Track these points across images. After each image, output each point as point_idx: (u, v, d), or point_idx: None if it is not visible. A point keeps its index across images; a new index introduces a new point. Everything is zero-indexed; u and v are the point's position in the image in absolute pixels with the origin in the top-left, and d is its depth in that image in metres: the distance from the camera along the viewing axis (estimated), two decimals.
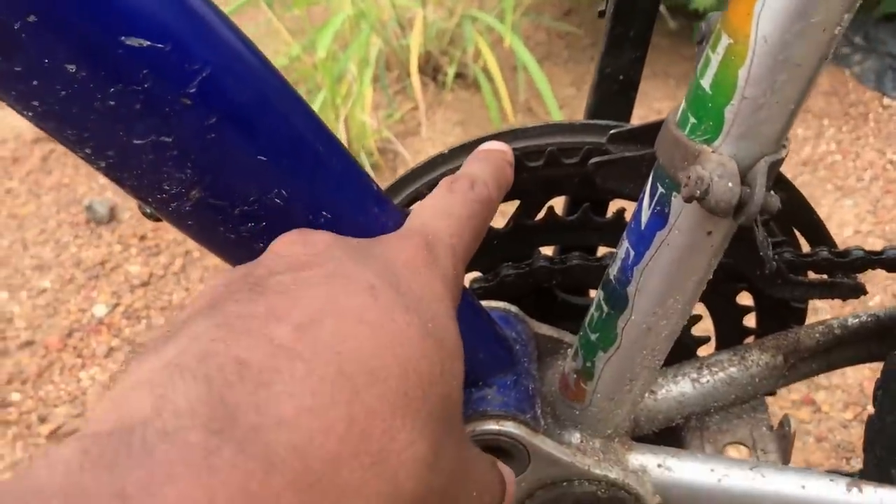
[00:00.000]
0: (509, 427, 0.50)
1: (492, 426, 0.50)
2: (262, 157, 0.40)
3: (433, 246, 0.39)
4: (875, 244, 1.67)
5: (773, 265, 0.52)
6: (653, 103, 2.13)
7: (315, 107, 1.87)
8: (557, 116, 1.94)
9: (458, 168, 0.55)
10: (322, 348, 0.29)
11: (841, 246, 0.57)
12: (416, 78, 2.00)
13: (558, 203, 0.58)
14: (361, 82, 1.88)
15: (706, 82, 0.39)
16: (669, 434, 0.62)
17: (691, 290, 0.47)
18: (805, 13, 0.35)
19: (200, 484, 0.23)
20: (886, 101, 2.20)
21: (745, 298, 0.62)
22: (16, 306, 1.73)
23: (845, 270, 0.57)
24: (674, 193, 0.43)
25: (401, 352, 0.30)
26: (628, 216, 0.49)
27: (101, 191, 2.07)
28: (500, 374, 0.52)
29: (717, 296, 0.61)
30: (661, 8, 1.08)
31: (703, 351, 0.64)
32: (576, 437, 0.56)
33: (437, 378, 0.32)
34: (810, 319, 0.63)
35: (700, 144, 0.40)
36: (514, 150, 0.55)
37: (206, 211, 0.41)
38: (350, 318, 0.30)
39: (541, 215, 0.58)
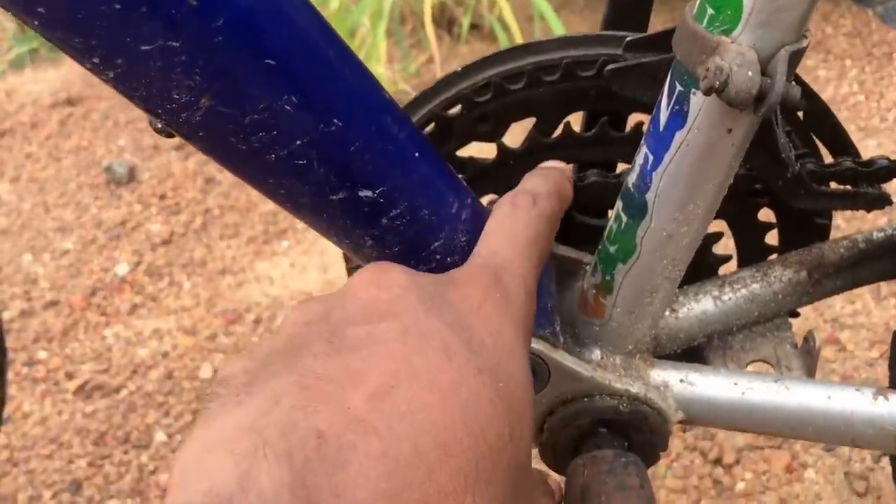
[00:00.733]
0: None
1: None
2: (271, 61, 0.39)
3: (505, 284, 0.39)
4: None
5: (796, 169, 0.51)
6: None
7: None
8: None
9: (472, 86, 0.55)
10: (396, 421, 0.30)
11: None
12: (430, 29, 1.98)
13: (575, 119, 0.57)
14: (375, 35, 1.87)
15: None
16: (692, 353, 0.61)
17: (712, 195, 0.46)
18: None
19: None
20: None
21: (766, 216, 0.61)
22: (40, 267, 1.75)
23: (870, 180, 0.56)
24: (693, 90, 0.42)
25: (472, 421, 0.31)
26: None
27: (120, 152, 2.07)
28: None
29: (739, 212, 0.60)
30: None
31: (724, 270, 0.63)
32: (596, 354, 0.55)
33: (506, 442, 0.33)
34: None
35: (718, 35, 0.39)
36: (528, 64, 0.54)
37: (217, 120, 0.40)
38: (423, 383, 0.31)
39: (557, 132, 0.57)
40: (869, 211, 0.56)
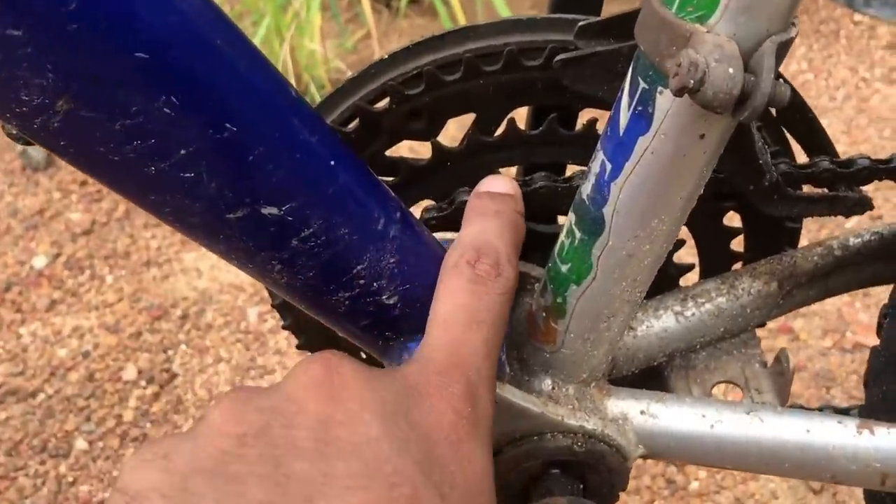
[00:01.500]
0: None
1: None
2: (142, 55, 0.32)
3: (476, 395, 0.35)
4: None
5: (774, 175, 0.45)
6: None
7: (259, 36, 1.76)
8: None
9: (402, 76, 0.47)
10: None
11: None
12: (367, 3, 1.90)
13: (520, 115, 0.50)
14: (309, 9, 1.77)
15: None
16: (651, 373, 0.55)
17: (679, 208, 0.40)
18: None
19: None
20: (857, 17, 2.13)
21: (732, 220, 0.55)
22: None
23: (848, 183, 0.50)
24: (659, 88, 0.35)
25: None
26: (602, 128, 0.41)
27: None
28: None
29: (702, 217, 0.53)
30: None
31: (686, 281, 0.57)
32: (546, 384, 0.49)
33: None
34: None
35: (691, 23, 0.33)
36: (466, 51, 0.47)
37: (80, 127, 0.33)
38: None
39: (500, 130, 0.50)
40: (847, 217, 0.50)
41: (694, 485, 1.15)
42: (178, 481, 0.27)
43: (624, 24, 0.43)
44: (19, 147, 1.85)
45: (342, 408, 0.31)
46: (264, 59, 0.37)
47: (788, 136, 0.52)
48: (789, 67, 1.97)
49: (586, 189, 0.41)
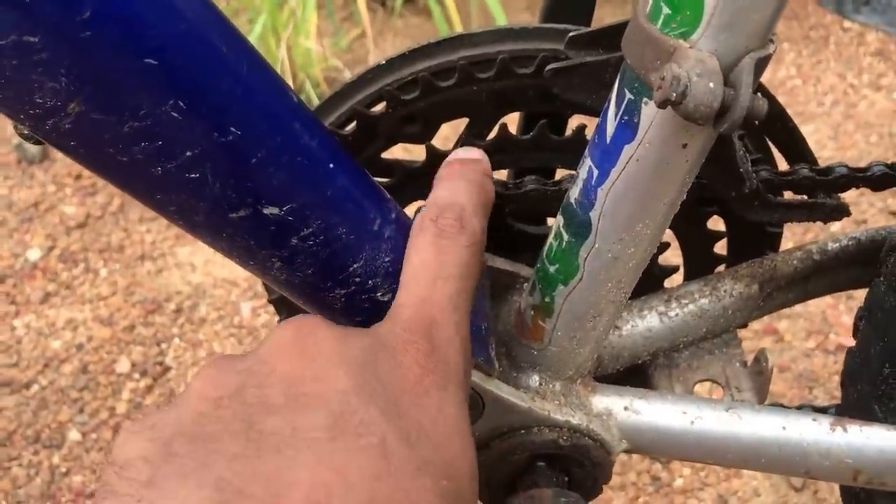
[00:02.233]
0: None
1: None
2: (150, 60, 0.33)
3: (441, 349, 0.35)
4: None
5: (754, 183, 0.47)
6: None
7: (255, 34, 1.77)
8: None
9: (398, 82, 0.49)
10: None
11: None
12: (362, 2, 1.90)
13: (511, 121, 0.51)
14: (305, 8, 1.78)
15: None
16: (635, 371, 0.57)
17: (663, 213, 0.42)
18: None
19: None
20: (847, 23, 2.16)
21: (716, 224, 0.57)
22: None
23: (827, 190, 0.52)
24: (644, 99, 0.37)
25: None
26: (590, 133, 0.43)
27: None
28: None
29: (686, 221, 0.55)
30: None
31: (670, 282, 0.58)
32: (534, 380, 0.50)
33: None
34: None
35: (675, 39, 0.34)
36: (460, 59, 0.48)
37: (91, 129, 0.35)
38: (359, 498, 0.27)
39: (492, 135, 0.51)
40: (826, 223, 0.52)
41: (678, 482, 1.17)
42: (161, 447, 0.29)
43: (612, 36, 0.45)
44: (15, 140, 1.86)
45: (313, 365, 0.32)
46: (266, 64, 0.39)
47: (770, 144, 0.54)
48: (778, 73, 1.99)
49: (574, 193, 0.43)
